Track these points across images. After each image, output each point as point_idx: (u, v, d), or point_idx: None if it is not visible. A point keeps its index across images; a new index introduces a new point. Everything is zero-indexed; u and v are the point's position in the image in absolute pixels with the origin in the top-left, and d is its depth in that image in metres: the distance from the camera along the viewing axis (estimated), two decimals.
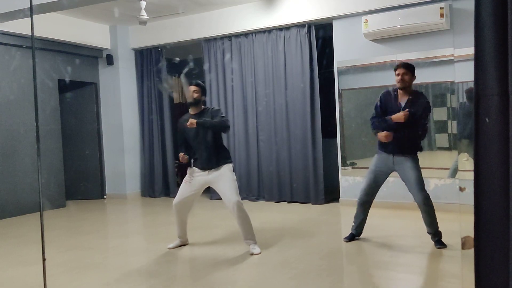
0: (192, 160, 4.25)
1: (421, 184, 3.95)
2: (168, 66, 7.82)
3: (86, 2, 4.97)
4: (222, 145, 4.23)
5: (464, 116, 4.44)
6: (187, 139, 4.24)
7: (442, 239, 4.01)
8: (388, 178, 4.23)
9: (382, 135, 4.00)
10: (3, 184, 6.31)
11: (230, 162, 4.19)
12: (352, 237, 4.33)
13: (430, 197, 3.98)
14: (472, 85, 1.63)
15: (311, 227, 5.17)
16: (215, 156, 4.11)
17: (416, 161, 4.01)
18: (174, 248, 4.34)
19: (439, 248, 3.96)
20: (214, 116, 4.11)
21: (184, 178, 4.25)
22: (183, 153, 4.16)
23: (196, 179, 4.17)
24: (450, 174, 5.44)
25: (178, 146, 4.44)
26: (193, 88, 4.15)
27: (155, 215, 6.49)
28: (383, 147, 4.11)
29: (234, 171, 4.17)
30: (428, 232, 4.07)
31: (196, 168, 4.20)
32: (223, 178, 4.09)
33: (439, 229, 4.03)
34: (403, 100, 4.03)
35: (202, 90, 4.21)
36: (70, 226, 5.97)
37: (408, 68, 3.99)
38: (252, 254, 4.02)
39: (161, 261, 4.02)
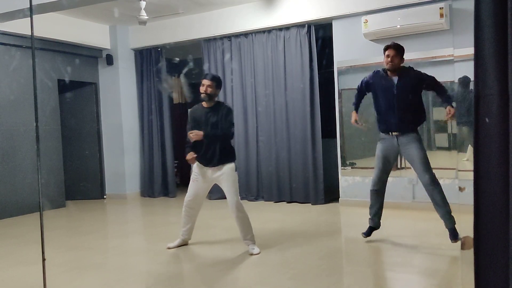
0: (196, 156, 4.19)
1: (427, 165, 3.93)
2: (168, 66, 7.82)
3: (86, 2, 4.97)
4: (228, 144, 4.19)
5: (461, 102, 4.44)
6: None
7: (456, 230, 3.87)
8: (387, 178, 4.23)
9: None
10: (3, 184, 6.30)
11: (233, 161, 4.16)
12: (370, 231, 4.23)
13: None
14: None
15: (310, 227, 5.17)
16: (218, 154, 4.08)
17: (420, 141, 4.01)
18: (174, 248, 4.34)
19: (454, 242, 3.84)
20: (224, 117, 4.07)
21: (191, 177, 4.25)
22: (192, 152, 4.11)
23: (201, 176, 4.17)
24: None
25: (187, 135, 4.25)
26: (207, 82, 4.07)
27: (155, 215, 6.49)
28: (384, 126, 4.11)
29: (236, 170, 4.16)
30: (441, 217, 3.91)
31: (200, 164, 4.19)
32: (226, 177, 4.09)
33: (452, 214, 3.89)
34: (394, 78, 4.04)
35: (217, 85, 4.13)
36: (70, 226, 5.97)
37: (398, 50, 4.01)
38: (251, 254, 4.02)
39: (161, 261, 4.02)
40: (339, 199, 6.27)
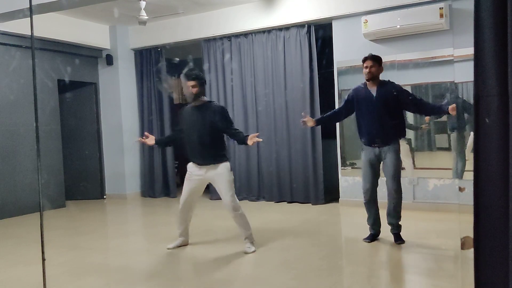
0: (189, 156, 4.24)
1: (398, 175, 4.09)
2: (168, 66, 7.81)
3: (86, 2, 4.96)
4: (220, 142, 4.16)
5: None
6: (184, 133, 4.23)
7: (401, 234, 4.15)
8: (377, 186, 4.26)
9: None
10: (3, 184, 6.30)
11: (227, 160, 4.13)
12: (372, 238, 4.29)
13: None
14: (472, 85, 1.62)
15: (311, 227, 5.17)
16: (211, 153, 4.07)
17: (397, 152, 4.10)
18: (174, 248, 4.34)
19: (399, 243, 4.08)
20: (218, 116, 4.06)
21: (186, 176, 4.24)
22: (148, 134, 4.33)
23: (194, 175, 4.16)
24: (456, 175, 5.43)
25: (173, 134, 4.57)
26: (191, 83, 4.04)
27: (155, 215, 6.49)
28: (365, 138, 4.17)
29: (231, 169, 4.15)
30: (388, 223, 4.16)
31: (193, 164, 4.18)
32: (220, 178, 4.06)
33: (400, 223, 4.15)
34: (372, 90, 4.10)
35: (201, 84, 4.09)
36: (70, 226, 5.97)
37: (375, 60, 4.09)
38: (246, 253, 4.05)
39: (161, 261, 4.02)
40: (339, 199, 6.28)
